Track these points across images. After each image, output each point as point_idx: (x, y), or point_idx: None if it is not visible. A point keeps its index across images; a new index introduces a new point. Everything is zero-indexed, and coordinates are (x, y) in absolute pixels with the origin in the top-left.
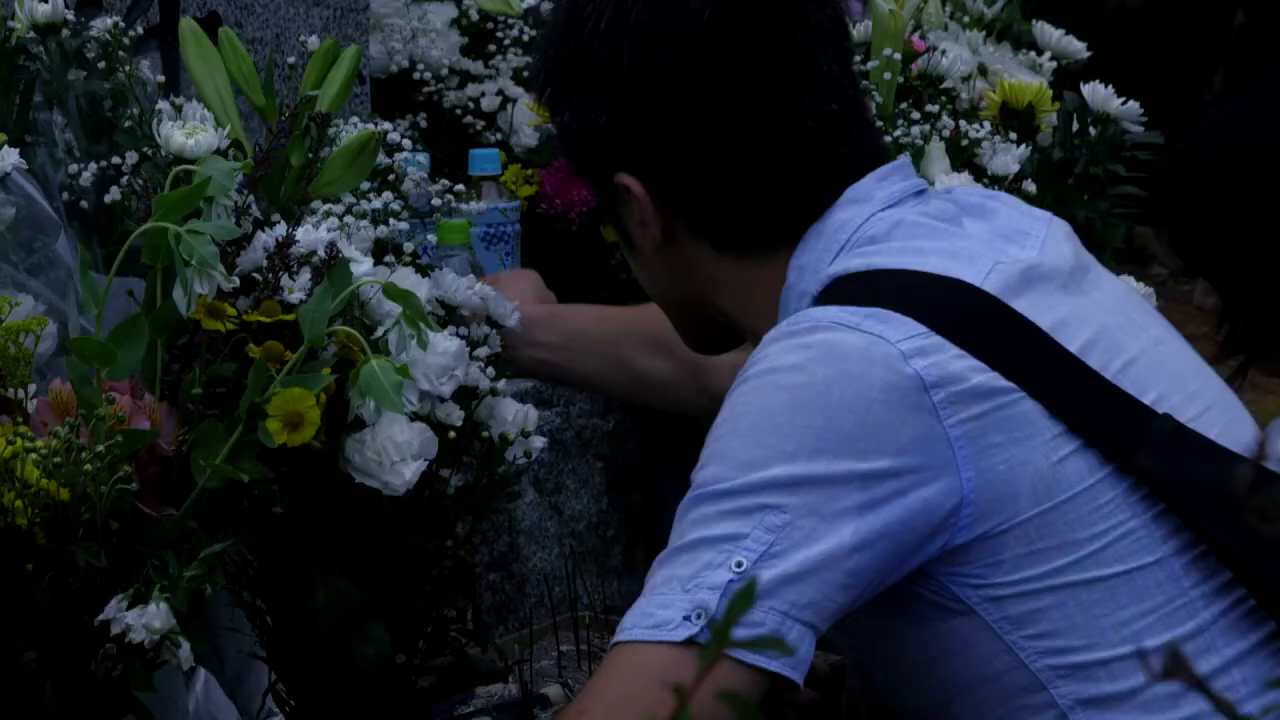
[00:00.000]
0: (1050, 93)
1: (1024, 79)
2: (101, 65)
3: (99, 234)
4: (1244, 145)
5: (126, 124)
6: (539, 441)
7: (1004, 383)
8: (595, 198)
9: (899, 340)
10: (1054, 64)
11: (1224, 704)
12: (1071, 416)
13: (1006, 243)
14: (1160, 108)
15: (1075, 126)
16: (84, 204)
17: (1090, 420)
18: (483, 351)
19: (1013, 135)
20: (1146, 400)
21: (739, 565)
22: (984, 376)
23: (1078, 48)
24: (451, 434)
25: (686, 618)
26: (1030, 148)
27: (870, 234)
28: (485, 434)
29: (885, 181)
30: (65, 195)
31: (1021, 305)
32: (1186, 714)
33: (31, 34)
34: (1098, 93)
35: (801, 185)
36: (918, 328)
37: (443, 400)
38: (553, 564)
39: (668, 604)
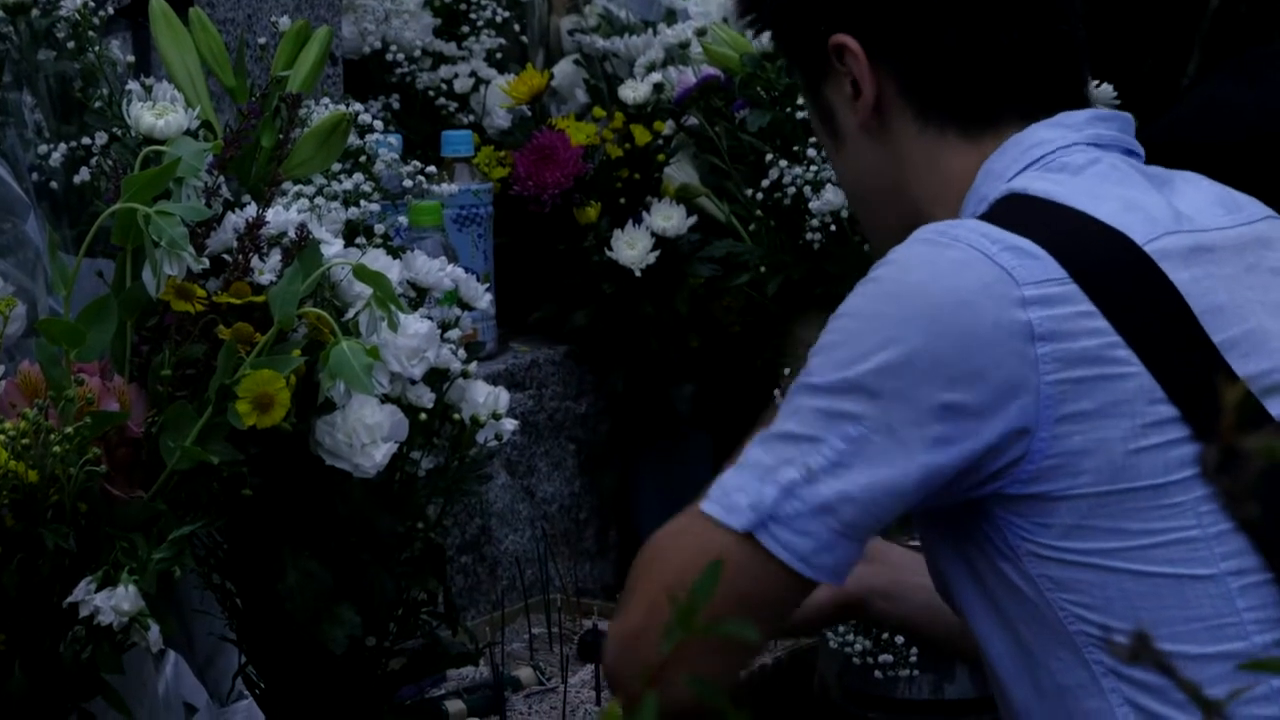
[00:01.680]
0: None
1: None
2: (71, 45)
3: (68, 215)
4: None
5: (96, 104)
6: (510, 424)
7: (1121, 351)
8: (803, 78)
9: (1027, 283)
10: None
11: (1190, 688)
12: (1187, 405)
13: (1217, 208)
14: (1135, 92)
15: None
16: (53, 185)
17: (1205, 414)
18: (453, 334)
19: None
20: (1273, 412)
21: (808, 470)
22: (1102, 341)
23: None
24: (422, 416)
25: (751, 506)
26: None
27: (1065, 161)
28: (456, 416)
29: (1103, 122)
30: (34, 176)
31: (1183, 278)
32: None
33: (0, 14)
34: None
35: (1016, 62)
36: (1057, 272)
37: (413, 382)
38: (525, 546)
39: (743, 486)
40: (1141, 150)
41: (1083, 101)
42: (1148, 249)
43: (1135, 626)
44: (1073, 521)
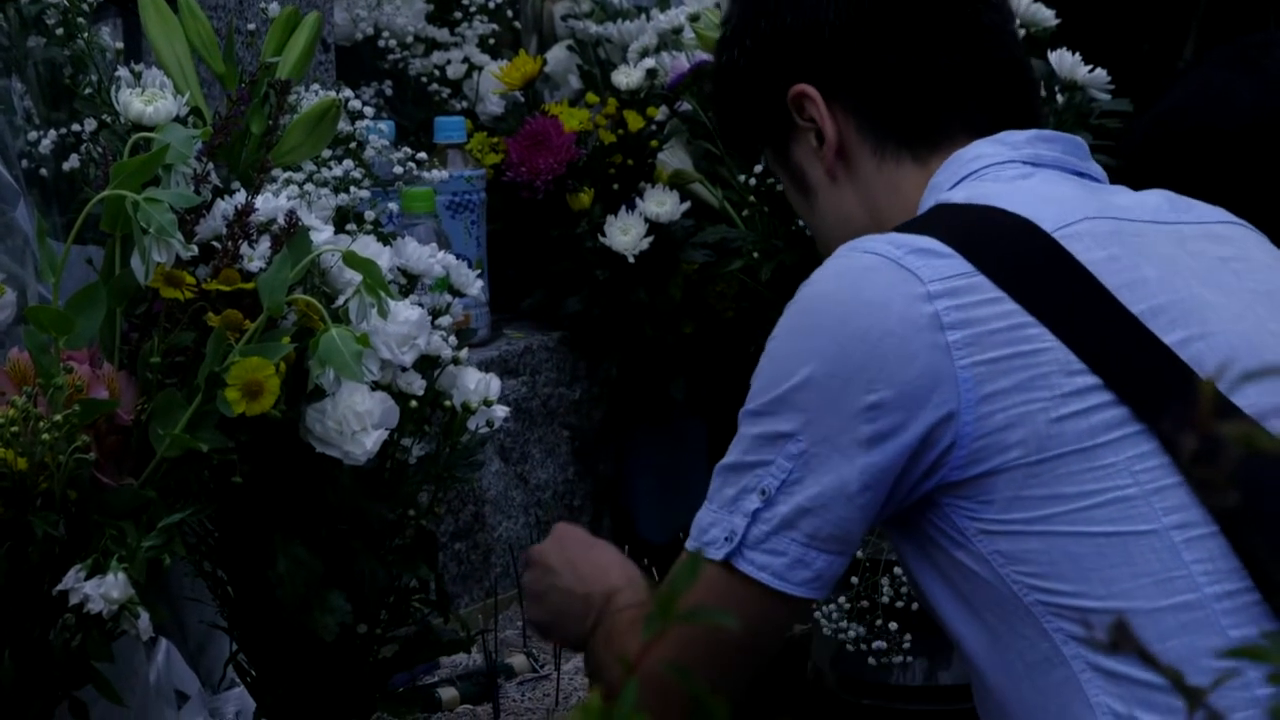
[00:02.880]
0: None
1: None
2: (60, 32)
3: (58, 202)
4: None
5: (86, 91)
6: (501, 411)
7: (1033, 329)
8: (772, 151)
9: (932, 280)
10: (1023, 31)
11: (1171, 674)
12: (1106, 372)
13: (1163, 205)
14: (1131, 76)
15: (1043, 94)
16: (43, 172)
17: (1127, 379)
18: (445, 320)
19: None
20: (1201, 372)
21: (764, 494)
22: (1011, 321)
23: (1046, 15)
24: (413, 403)
25: (726, 538)
26: None
27: (997, 174)
28: (447, 403)
29: (1045, 143)
30: (24, 163)
31: (1097, 257)
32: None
33: None
34: (1065, 60)
35: (958, 84)
36: (962, 266)
37: (404, 369)
38: (518, 533)
39: (715, 521)
40: (1091, 172)
41: (1033, 124)
42: (1056, 234)
43: (1083, 589)
44: (1011, 493)
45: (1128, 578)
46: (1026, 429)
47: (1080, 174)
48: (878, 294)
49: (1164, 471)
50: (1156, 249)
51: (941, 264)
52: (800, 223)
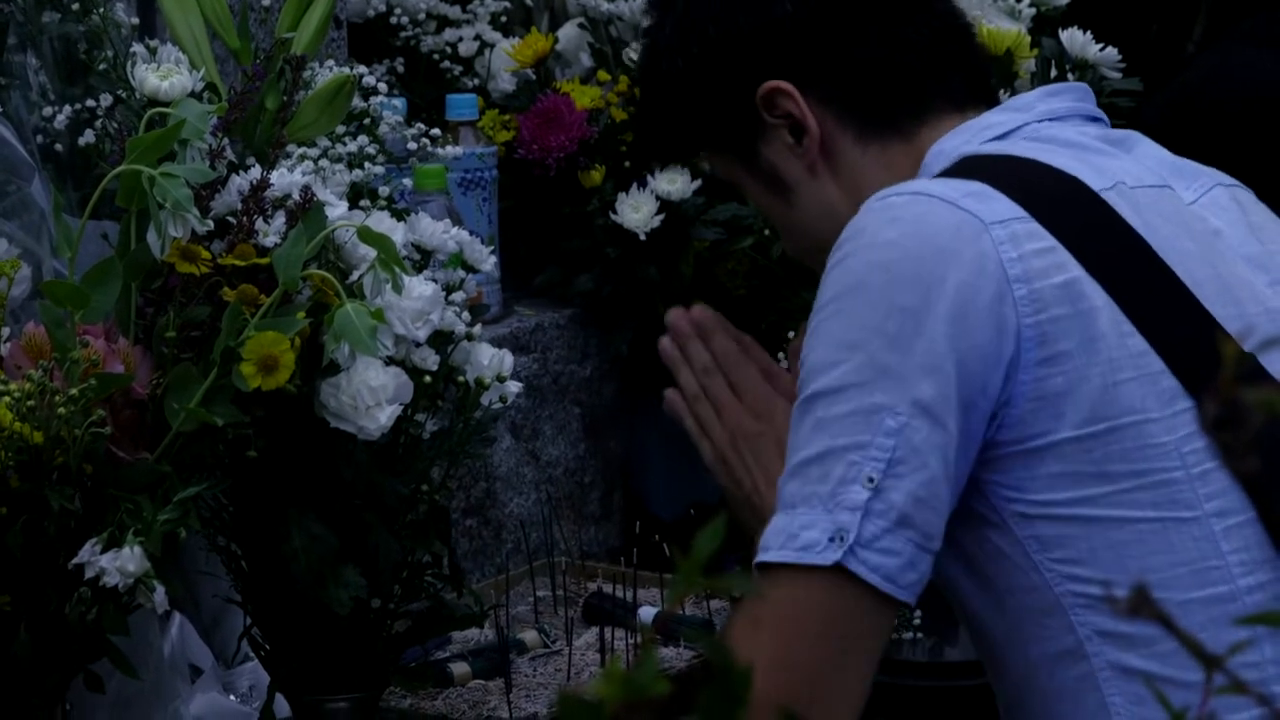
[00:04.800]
0: (1029, 39)
1: (1003, 25)
2: (76, 7)
3: (73, 177)
4: (1231, 93)
5: (101, 67)
6: (514, 386)
7: (1088, 285)
8: (737, 154)
9: (993, 222)
10: (1033, 10)
11: (1191, 642)
12: (1159, 338)
13: (1172, 173)
14: (1141, 56)
15: (1054, 73)
16: (58, 147)
17: (1177, 348)
18: (458, 296)
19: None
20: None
21: (870, 481)
22: (1068, 275)
23: None
24: (427, 378)
25: (831, 539)
26: (1008, 94)
27: (1021, 136)
28: (461, 379)
29: (1054, 97)
30: (39, 138)
31: (1137, 223)
32: (1199, 676)
33: None
34: (1075, 39)
35: (931, 56)
36: (1016, 210)
37: (418, 344)
38: (530, 510)
39: (811, 523)
40: (1102, 115)
41: (990, 87)
42: (1102, 194)
43: (1119, 578)
44: (1058, 469)
45: (1166, 566)
46: (1082, 395)
47: (1096, 119)
48: (946, 240)
49: (1208, 454)
50: (1191, 226)
51: (999, 206)
52: None
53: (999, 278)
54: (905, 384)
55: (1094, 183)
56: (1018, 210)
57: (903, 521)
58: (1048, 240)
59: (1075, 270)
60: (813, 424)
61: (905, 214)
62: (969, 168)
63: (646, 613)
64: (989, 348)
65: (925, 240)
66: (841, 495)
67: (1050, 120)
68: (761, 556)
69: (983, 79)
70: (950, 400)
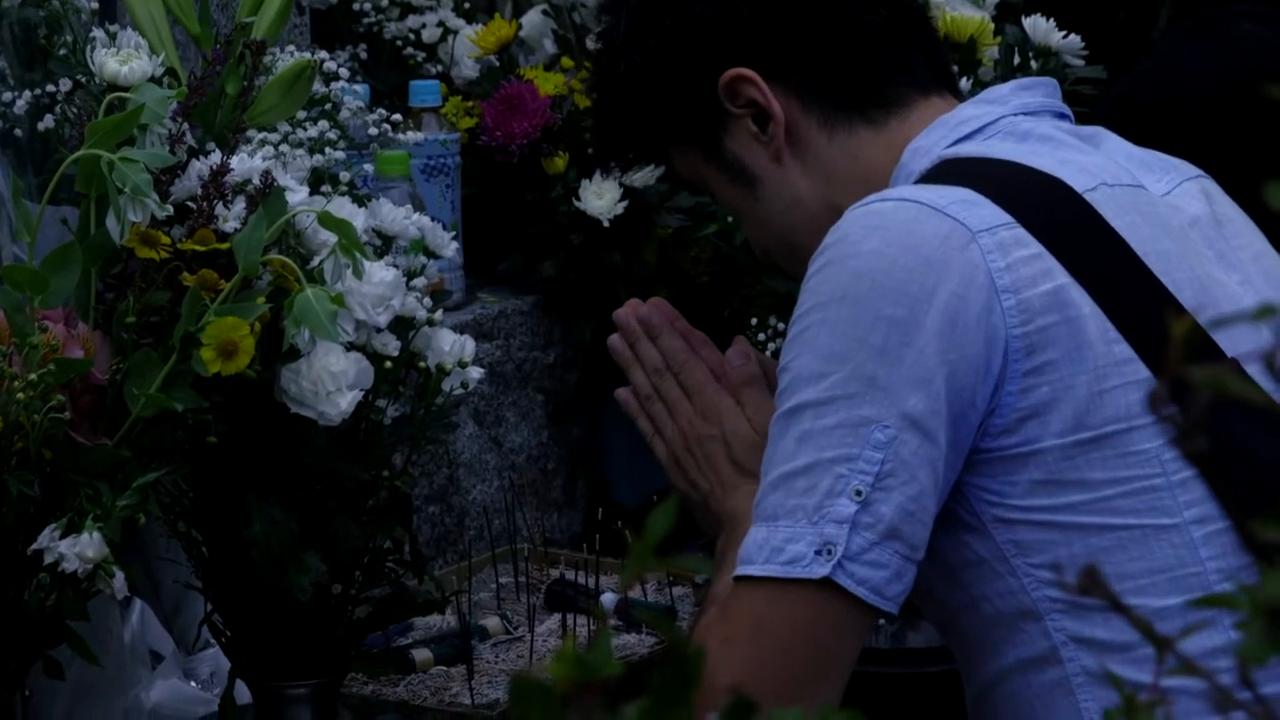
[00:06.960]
0: (992, 26)
1: (966, 13)
2: None
3: (33, 162)
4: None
5: (61, 51)
6: (476, 372)
7: (1075, 292)
8: (699, 145)
9: (979, 229)
10: None
11: (1142, 624)
12: (1143, 345)
13: (1140, 168)
14: (1107, 45)
15: (1017, 60)
16: (18, 132)
17: (1159, 351)
18: (419, 282)
19: (954, 69)
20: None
21: (858, 494)
22: (1055, 282)
23: None
24: (388, 364)
25: (818, 553)
26: (971, 81)
27: (998, 131)
28: (422, 364)
29: (1027, 91)
30: None
31: (1121, 224)
32: (1174, 684)
33: None
34: (1039, 26)
35: (893, 39)
36: (1003, 217)
37: (379, 330)
38: (492, 496)
39: (795, 537)
40: (1069, 112)
41: (950, 72)
42: (1085, 195)
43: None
44: (1040, 476)
45: (1145, 574)
46: (1068, 405)
47: (1062, 115)
48: (934, 250)
49: (1185, 463)
50: (1169, 222)
51: (985, 213)
52: None
53: (988, 288)
54: (894, 397)
55: (1078, 184)
56: (1004, 216)
57: (890, 534)
58: (1034, 247)
59: (1062, 277)
60: (798, 436)
61: (891, 221)
62: (953, 171)
63: (609, 599)
64: (978, 360)
65: (912, 250)
66: (828, 508)
67: (1025, 115)
68: (743, 570)
69: (943, 60)
70: (940, 414)
